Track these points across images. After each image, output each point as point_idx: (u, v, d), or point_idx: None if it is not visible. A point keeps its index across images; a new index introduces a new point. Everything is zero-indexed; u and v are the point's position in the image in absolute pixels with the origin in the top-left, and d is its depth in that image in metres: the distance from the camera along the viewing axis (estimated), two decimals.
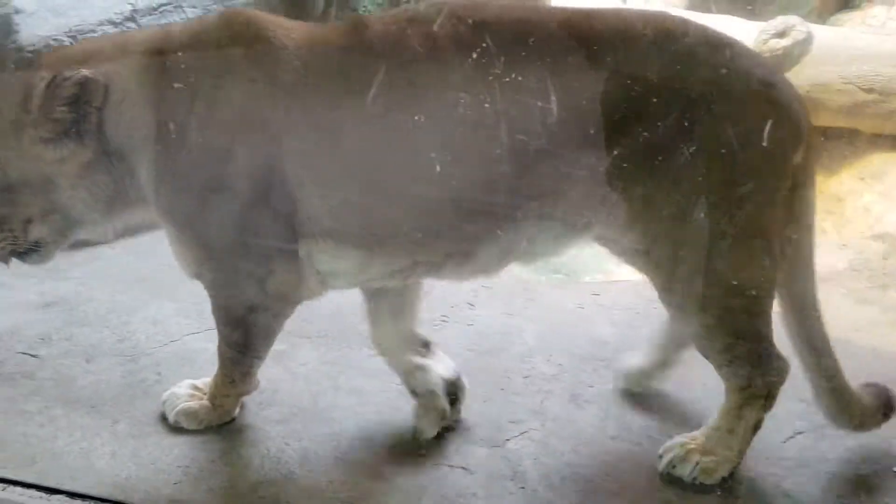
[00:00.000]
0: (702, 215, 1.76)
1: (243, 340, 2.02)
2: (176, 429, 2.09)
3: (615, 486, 1.96)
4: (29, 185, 1.89)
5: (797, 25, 4.36)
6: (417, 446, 2.06)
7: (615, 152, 1.75)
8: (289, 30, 1.87)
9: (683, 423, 2.14)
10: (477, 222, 1.85)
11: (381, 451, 2.05)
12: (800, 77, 4.32)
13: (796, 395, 2.06)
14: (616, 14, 1.93)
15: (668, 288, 1.91)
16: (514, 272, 3.61)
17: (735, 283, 1.82)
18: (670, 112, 1.74)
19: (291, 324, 2.55)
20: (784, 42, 4.32)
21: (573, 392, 2.30)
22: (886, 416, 2.05)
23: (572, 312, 2.74)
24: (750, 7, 4.56)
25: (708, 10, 4.51)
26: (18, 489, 1.77)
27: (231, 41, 1.87)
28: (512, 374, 2.39)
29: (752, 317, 1.87)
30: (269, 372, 2.29)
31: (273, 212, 1.86)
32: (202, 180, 1.88)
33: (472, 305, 2.77)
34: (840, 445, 2.09)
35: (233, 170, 1.84)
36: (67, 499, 1.75)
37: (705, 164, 1.76)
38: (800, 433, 2.14)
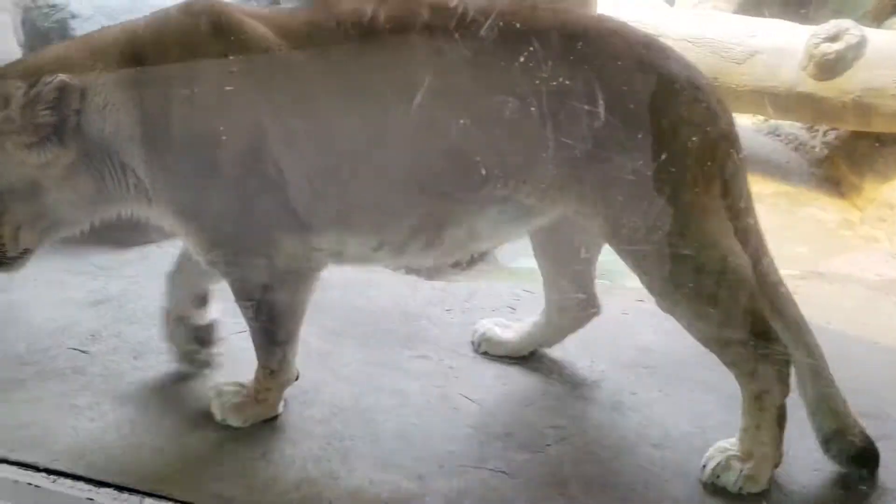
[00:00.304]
0: (637, 206, 1.85)
1: (269, 324, 2.06)
2: (221, 426, 2.12)
3: (657, 495, 1.94)
4: (16, 192, 1.91)
5: (850, 29, 4.27)
6: (458, 448, 2.06)
7: (562, 140, 1.83)
8: (253, 16, 1.93)
9: (729, 431, 2.10)
10: (441, 204, 1.94)
11: (422, 453, 2.05)
12: (853, 81, 4.24)
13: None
14: (555, 11, 1.97)
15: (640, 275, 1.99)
16: None
17: (693, 268, 1.87)
18: (601, 108, 1.80)
19: (335, 324, 2.61)
20: (836, 46, 4.24)
21: (616, 399, 2.28)
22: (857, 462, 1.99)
23: (616, 318, 2.71)
24: (803, 10, 4.49)
25: (759, 14, 4.45)
26: (68, 481, 1.81)
27: (198, 31, 1.90)
28: (554, 380, 2.37)
29: (729, 301, 1.88)
30: (311, 372, 2.32)
31: (266, 191, 1.92)
32: (192, 170, 1.94)
33: (512, 309, 2.76)
34: None
35: (220, 156, 1.90)
36: (115, 492, 1.78)
37: (636, 159, 1.83)
38: None
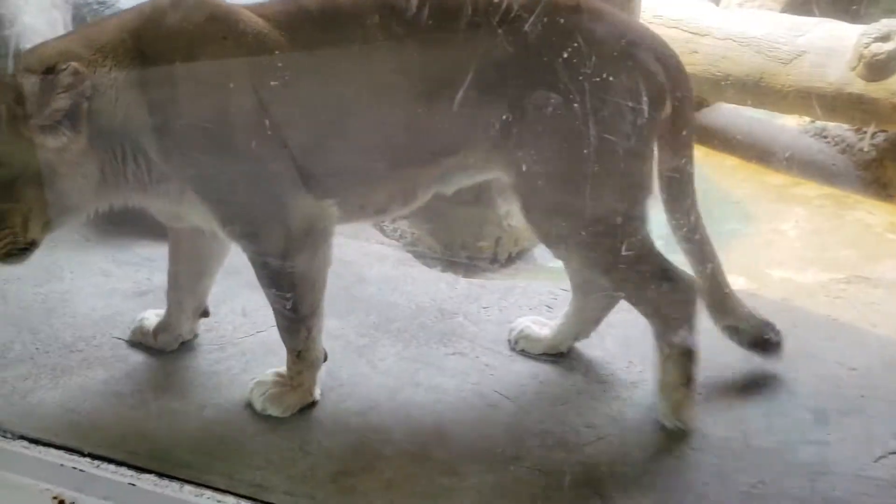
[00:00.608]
0: (570, 157, 2.01)
1: (292, 296, 2.10)
2: (260, 417, 2.15)
3: (694, 499, 1.92)
4: (29, 178, 1.93)
5: None
6: (494, 446, 2.06)
7: (501, 106, 1.99)
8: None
9: (771, 435, 2.07)
10: (411, 172, 2.13)
11: (457, 448, 2.05)
12: None
13: (890, 412, 1.97)
14: None
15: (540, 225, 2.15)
16: None
17: (604, 218, 2.05)
18: (542, 71, 1.96)
19: (372, 319, 2.62)
20: (887, 46, 4.14)
21: (653, 400, 2.25)
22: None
23: None
24: (854, 8, 4.39)
25: (809, 13, 4.37)
26: (111, 466, 1.85)
27: (188, 19, 1.98)
28: (591, 379, 2.36)
29: (625, 246, 2.05)
30: (349, 365, 2.35)
31: (273, 159, 2.00)
32: (206, 148, 1.99)
33: (550, 308, 2.74)
34: None
35: (230, 133, 1.98)
36: (156, 478, 1.81)
37: (574, 117, 1.95)
38: (892, 453, 2.04)
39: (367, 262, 3.12)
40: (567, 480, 1.95)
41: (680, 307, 2.12)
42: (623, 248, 2.04)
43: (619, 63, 1.99)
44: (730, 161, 4.82)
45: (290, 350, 2.18)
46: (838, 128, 4.79)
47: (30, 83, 1.87)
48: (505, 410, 2.21)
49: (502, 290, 2.90)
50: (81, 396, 2.25)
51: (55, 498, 1.80)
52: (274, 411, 2.15)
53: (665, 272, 2.10)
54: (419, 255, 3.34)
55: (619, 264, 2.07)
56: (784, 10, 5.21)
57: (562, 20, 1.97)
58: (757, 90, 4.66)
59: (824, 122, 4.83)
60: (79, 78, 1.87)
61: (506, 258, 3.54)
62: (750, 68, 4.65)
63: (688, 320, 2.12)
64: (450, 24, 1.97)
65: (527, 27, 1.93)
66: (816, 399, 2.21)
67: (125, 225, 2.52)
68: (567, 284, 2.77)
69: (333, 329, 2.59)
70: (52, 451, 1.89)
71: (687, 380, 2.13)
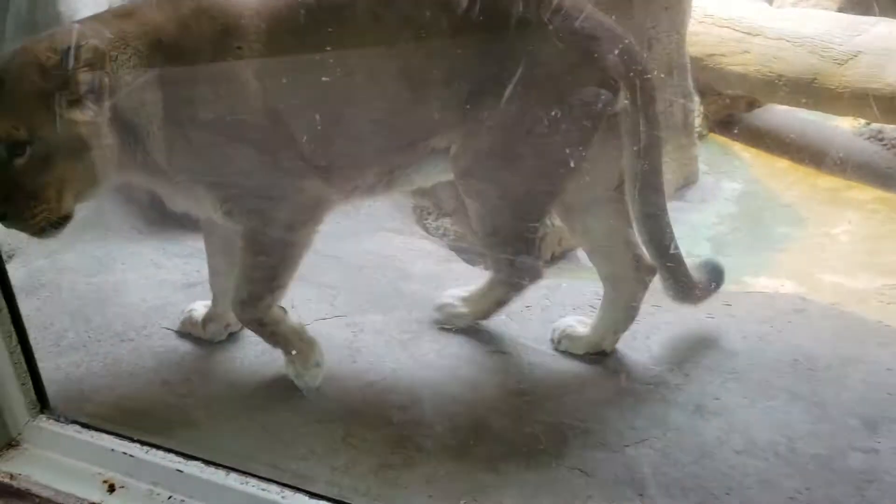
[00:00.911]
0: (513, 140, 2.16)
1: (277, 265, 2.20)
2: (305, 408, 2.18)
3: (737, 503, 1.89)
4: (63, 150, 1.97)
5: None
6: (535, 444, 2.06)
7: (464, 93, 2.12)
8: None
9: (818, 441, 2.03)
10: (396, 155, 2.25)
11: (498, 446, 2.06)
12: None
13: None
14: None
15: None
16: None
17: (521, 190, 2.23)
18: (503, 58, 2.08)
19: (415, 315, 2.64)
20: None
21: (698, 403, 2.23)
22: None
23: (701, 322, 2.64)
24: None
25: (868, 11, 4.27)
26: (160, 452, 1.88)
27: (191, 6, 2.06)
28: (635, 381, 2.34)
29: (524, 217, 2.28)
30: (391, 360, 2.37)
31: (284, 143, 2.10)
32: (215, 133, 2.08)
33: (594, 308, 2.72)
34: None
35: (238, 116, 2.07)
36: (202, 465, 1.84)
37: (528, 100, 2.09)
38: None
39: (411, 258, 3.14)
40: (608, 481, 1.94)
41: (520, 276, 2.40)
42: (535, 223, 2.32)
43: (574, 55, 2.11)
44: (781, 163, 4.74)
45: (249, 322, 2.27)
46: (895, 130, 4.68)
47: (54, 60, 1.93)
48: (547, 409, 2.21)
49: (545, 288, 2.88)
50: (132, 384, 2.31)
51: (105, 481, 1.85)
52: (308, 382, 2.26)
53: (531, 245, 2.37)
54: (462, 252, 3.35)
55: (524, 234, 2.31)
56: (841, 9, 5.10)
57: (524, 13, 2.07)
58: (810, 91, 4.58)
59: (880, 125, 4.72)
60: (98, 54, 1.94)
61: (549, 257, 3.53)
62: (803, 68, 4.57)
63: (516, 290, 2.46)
64: (427, 19, 2.10)
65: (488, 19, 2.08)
66: (865, 406, 2.16)
67: (175, 218, 2.57)
68: None
69: (377, 324, 2.61)
70: (104, 436, 1.93)
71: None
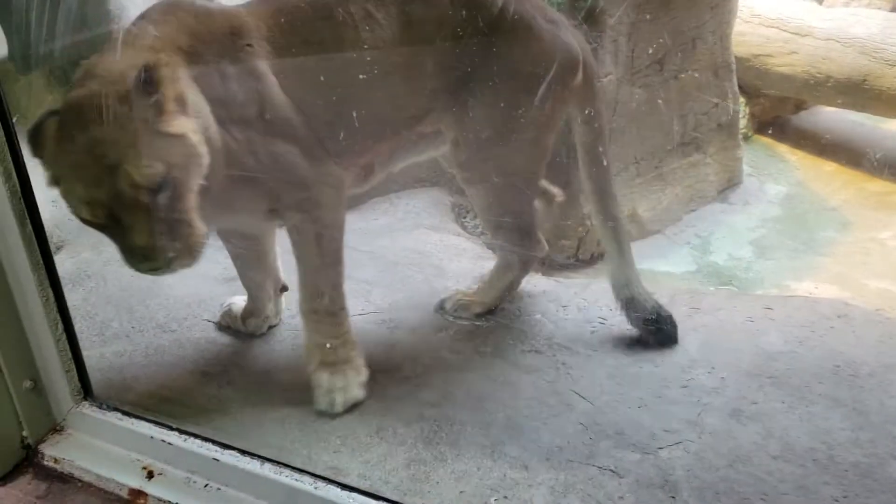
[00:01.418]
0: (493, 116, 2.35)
1: (328, 250, 2.20)
2: None
3: None
4: (178, 170, 1.86)
5: None
6: (566, 443, 2.05)
7: (453, 77, 2.30)
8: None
9: (857, 448, 1.99)
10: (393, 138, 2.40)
11: (530, 444, 2.06)
12: None
13: None
14: None
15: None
16: (679, 280, 3.51)
17: (512, 170, 2.43)
18: (474, 45, 2.27)
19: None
20: None
21: (734, 407, 2.20)
22: None
23: (740, 325, 2.61)
24: None
25: None
26: (198, 441, 1.92)
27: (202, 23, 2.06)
28: (670, 383, 2.32)
29: (521, 196, 2.49)
30: (426, 356, 2.38)
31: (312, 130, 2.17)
32: (258, 132, 2.09)
33: None
34: None
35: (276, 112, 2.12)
36: (238, 454, 1.87)
37: (498, 83, 2.30)
38: None
39: (447, 255, 3.15)
40: (640, 483, 1.93)
41: (528, 257, 2.63)
42: (522, 198, 2.51)
43: (541, 36, 2.32)
44: (828, 167, 4.65)
45: (321, 316, 2.23)
46: None
47: (136, 83, 1.82)
48: (580, 409, 2.20)
49: (582, 289, 2.88)
50: (172, 374, 2.36)
51: (144, 468, 1.90)
52: (356, 395, 2.22)
53: (529, 229, 2.58)
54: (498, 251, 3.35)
55: (512, 211, 2.51)
56: (894, 9, 4.98)
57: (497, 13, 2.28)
58: (860, 93, 4.49)
59: None
60: (159, 73, 1.85)
61: (588, 257, 3.51)
62: (853, 70, 4.47)
63: (523, 266, 2.68)
64: (416, 12, 2.25)
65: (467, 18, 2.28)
66: None
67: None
68: (650, 287, 2.74)
69: (412, 320, 2.63)
70: (144, 423, 1.98)
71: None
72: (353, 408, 2.18)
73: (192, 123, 1.90)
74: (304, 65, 2.18)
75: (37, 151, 1.85)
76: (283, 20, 2.15)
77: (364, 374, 2.25)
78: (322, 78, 2.21)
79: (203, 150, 1.92)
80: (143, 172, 1.78)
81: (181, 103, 1.89)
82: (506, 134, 2.37)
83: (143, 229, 1.82)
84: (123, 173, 1.77)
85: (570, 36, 2.40)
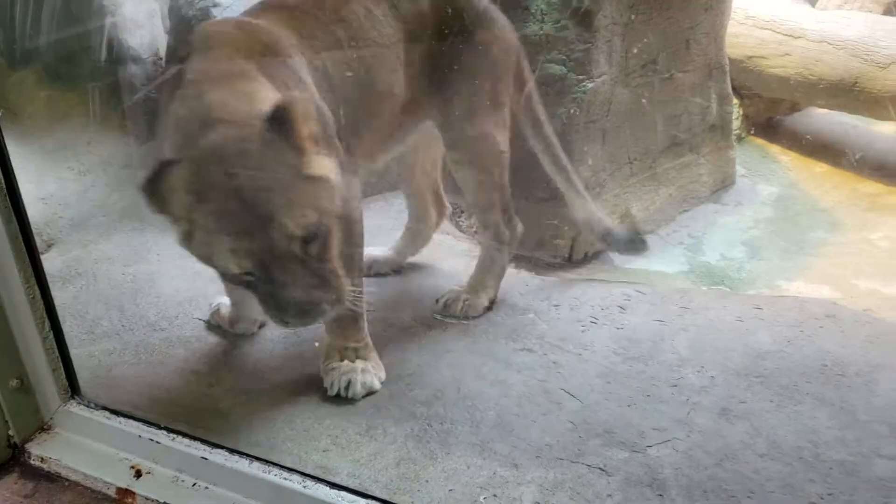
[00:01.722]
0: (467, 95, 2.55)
1: (355, 237, 2.19)
2: (329, 401, 2.21)
3: None
4: (328, 215, 1.78)
5: None
6: (556, 441, 2.06)
7: (437, 69, 2.48)
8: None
9: (844, 447, 2.00)
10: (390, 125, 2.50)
11: (520, 442, 2.06)
12: None
13: None
14: None
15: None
16: (671, 280, 3.52)
17: (491, 143, 2.58)
18: (447, 34, 2.46)
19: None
20: None
21: (723, 406, 2.20)
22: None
23: (730, 325, 2.62)
24: None
25: None
26: (186, 440, 1.92)
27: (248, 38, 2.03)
28: (659, 382, 2.32)
29: (503, 173, 2.64)
30: (416, 356, 2.39)
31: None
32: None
33: (622, 309, 2.72)
34: None
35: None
36: (227, 453, 1.87)
37: (467, 66, 2.51)
38: None
39: (440, 254, 3.16)
40: (629, 481, 1.93)
41: (512, 235, 2.74)
42: (503, 175, 2.65)
43: (498, 27, 2.58)
44: (819, 168, 4.66)
45: (354, 325, 2.26)
46: None
47: (273, 124, 1.72)
48: (570, 408, 2.20)
49: (575, 289, 2.88)
50: (162, 373, 2.36)
51: (132, 467, 1.89)
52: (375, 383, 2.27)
53: (510, 207, 2.70)
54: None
55: (495, 189, 2.63)
56: (887, 12, 5.00)
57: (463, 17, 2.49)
58: (852, 95, 4.49)
59: None
60: (305, 104, 1.78)
61: (581, 257, 3.51)
62: (845, 72, 4.48)
63: (510, 243, 2.75)
64: (409, 13, 2.41)
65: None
66: (894, 413, 2.12)
67: None
68: (642, 287, 2.76)
69: (405, 319, 2.63)
70: (132, 422, 1.98)
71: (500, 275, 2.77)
72: (343, 407, 2.18)
73: (330, 162, 1.81)
74: (332, 67, 2.22)
75: (160, 207, 1.73)
76: (302, 25, 2.13)
77: (383, 373, 2.29)
78: (348, 76, 2.28)
79: (342, 190, 1.83)
80: (298, 223, 1.69)
81: (315, 141, 1.77)
82: (482, 112, 2.56)
83: (299, 283, 1.73)
84: (278, 226, 1.66)
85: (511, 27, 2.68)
